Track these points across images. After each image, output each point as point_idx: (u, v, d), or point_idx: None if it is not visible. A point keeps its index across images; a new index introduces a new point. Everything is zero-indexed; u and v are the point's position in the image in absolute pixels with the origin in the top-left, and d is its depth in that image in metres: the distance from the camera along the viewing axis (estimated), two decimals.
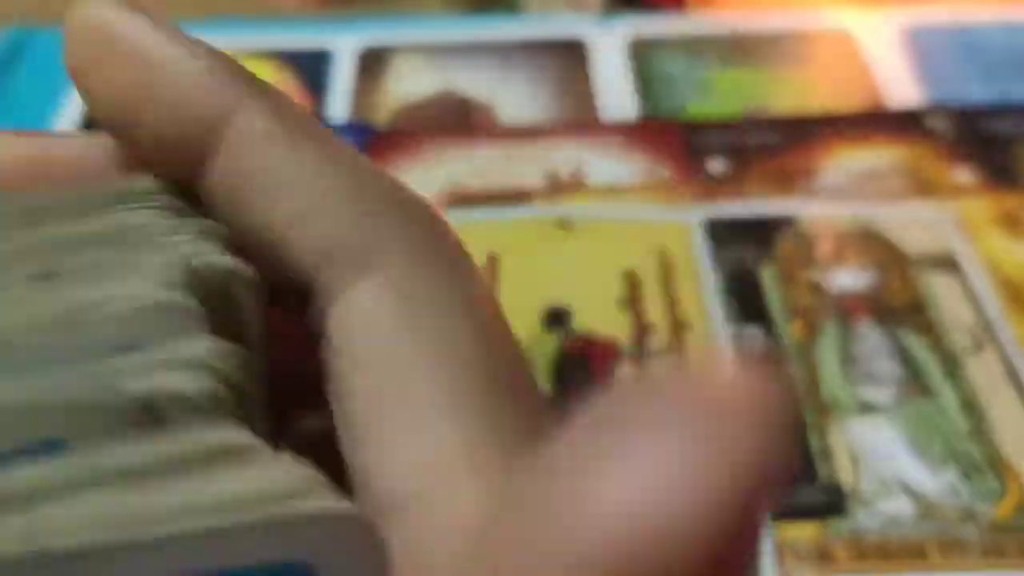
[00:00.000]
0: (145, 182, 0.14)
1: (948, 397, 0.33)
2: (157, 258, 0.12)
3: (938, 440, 0.31)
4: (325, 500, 0.10)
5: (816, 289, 0.36)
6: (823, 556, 0.29)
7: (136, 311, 0.11)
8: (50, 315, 0.12)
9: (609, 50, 0.50)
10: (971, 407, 0.32)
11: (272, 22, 0.53)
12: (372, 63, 0.49)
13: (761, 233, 0.38)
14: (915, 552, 0.29)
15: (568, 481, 0.09)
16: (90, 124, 0.46)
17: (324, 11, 0.56)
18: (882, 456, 0.31)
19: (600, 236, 0.39)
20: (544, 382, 0.33)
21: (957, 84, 0.47)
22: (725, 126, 0.45)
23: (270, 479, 0.10)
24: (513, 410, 0.13)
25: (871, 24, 0.51)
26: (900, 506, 0.30)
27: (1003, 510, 0.30)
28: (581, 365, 0.34)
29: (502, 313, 0.14)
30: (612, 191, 0.41)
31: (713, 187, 0.41)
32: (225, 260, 0.13)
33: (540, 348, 0.34)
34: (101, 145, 0.15)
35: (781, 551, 0.29)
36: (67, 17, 0.14)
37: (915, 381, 0.33)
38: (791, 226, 0.39)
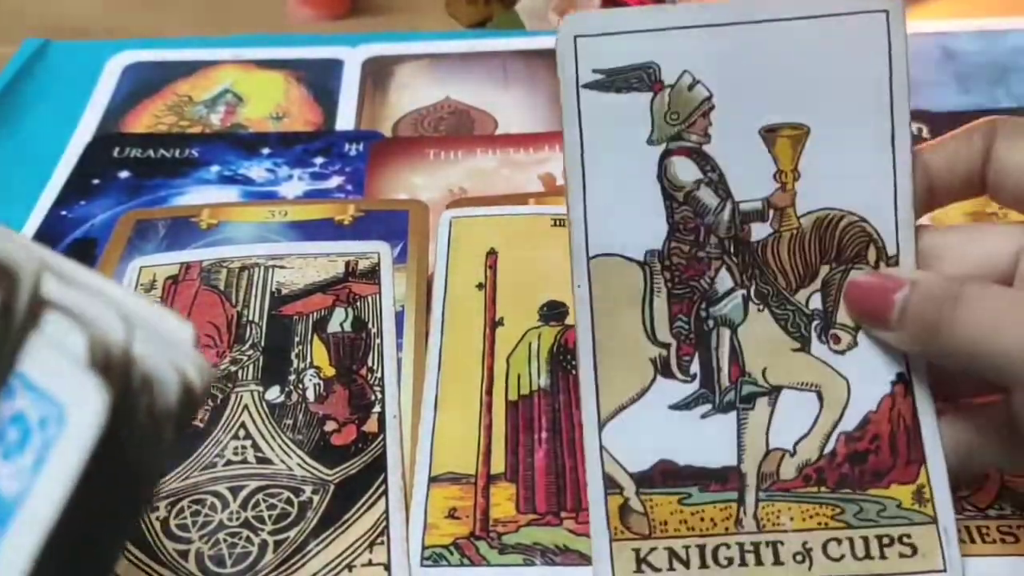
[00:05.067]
0: None
1: None
2: None
3: None
4: None
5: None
6: None
7: None
8: None
9: None
10: None
11: (285, 37, 0.54)
12: (378, 73, 0.51)
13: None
14: None
15: None
16: (104, 133, 0.47)
17: (333, 26, 0.57)
18: None
19: None
20: (543, 370, 0.34)
21: (935, 91, 0.48)
22: None
23: None
24: None
25: None
26: None
27: (984, 499, 0.31)
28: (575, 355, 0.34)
29: None
30: None
31: None
32: None
33: (538, 339, 0.35)
34: None
35: None
36: None
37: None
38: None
